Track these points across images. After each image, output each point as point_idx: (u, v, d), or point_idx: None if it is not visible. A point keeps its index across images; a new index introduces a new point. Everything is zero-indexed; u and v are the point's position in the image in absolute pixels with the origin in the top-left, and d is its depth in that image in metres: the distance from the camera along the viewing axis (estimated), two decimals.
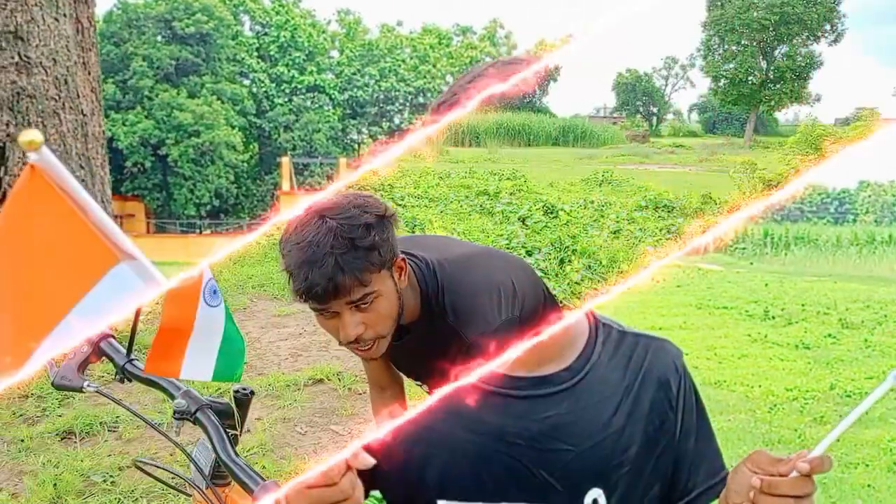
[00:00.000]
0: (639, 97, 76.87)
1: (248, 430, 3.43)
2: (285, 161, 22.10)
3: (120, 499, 2.74)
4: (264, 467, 3.00)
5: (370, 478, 0.90)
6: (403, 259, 1.19)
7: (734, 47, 42.87)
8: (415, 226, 7.76)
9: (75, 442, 3.21)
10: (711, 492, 0.96)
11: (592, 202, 10.43)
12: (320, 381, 4.08)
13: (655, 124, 75.97)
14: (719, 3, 43.49)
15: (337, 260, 1.05)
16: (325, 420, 3.59)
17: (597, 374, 0.94)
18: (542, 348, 0.92)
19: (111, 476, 2.90)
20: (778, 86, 42.30)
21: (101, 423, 3.37)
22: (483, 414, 0.91)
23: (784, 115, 48.10)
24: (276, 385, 3.96)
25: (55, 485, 2.77)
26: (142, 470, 0.97)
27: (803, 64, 41.67)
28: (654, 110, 79.32)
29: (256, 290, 6.10)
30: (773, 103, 43.03)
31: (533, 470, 0.91)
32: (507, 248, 6.03)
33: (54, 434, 3.26)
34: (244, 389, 1.01)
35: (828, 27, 42.04)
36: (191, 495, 1.00)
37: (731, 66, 42.61)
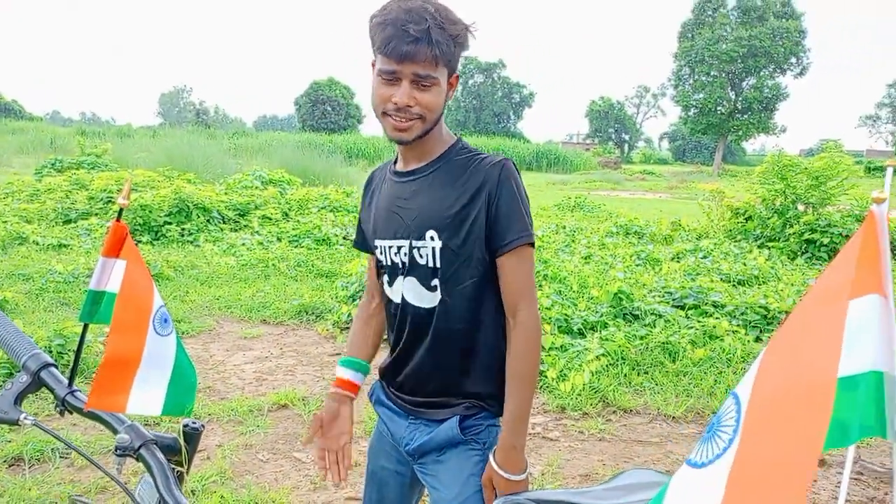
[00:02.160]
0: (611, 124, 78.21)
1: (208, 458, 3.33)
2: None
3: None
4: (223, 497, 2.90)
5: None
6: (457, 77, 1.45)
7: (704, 78, 43.90)
8: None
9: (24, 470, 3.08)
10: (517, 242, 1.41)
11: (564, 227, 10.48)
12: (284, 406, 3.99)
13: (627, 151, 77.28)
14: (689, 35, 44.56)
15: (431, 27, 1.31)
16: (288, 447, 3.49)
17: (444, 169, 1.47)
18: (421, 152, 1.49)
19: None
20: (745, 116, 43.38)
21: (52, 449, 3.24)
22: (387, 190, 1.57)
23: (751, 145, 49.21)
24: (238, 410, 3.86)
25: None
26: None
27: (770, 95, 42.81)
28: (626, 137, 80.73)
29: (223, 312, 5.98)
30: (740, 133, 44.07)
31: (404, 217, 1.49)
32: None
33: (1, 461, 3.12)
34: (194, 424, 0.96)
35: (793, 60, 43.28)
36: None
37: (701, 95, 43.61)
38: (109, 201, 10.02)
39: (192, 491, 2.97)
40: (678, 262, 7.74)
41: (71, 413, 0.99)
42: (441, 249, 1.45)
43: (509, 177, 1.43)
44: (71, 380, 0.99)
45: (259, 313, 5.94)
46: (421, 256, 1.48)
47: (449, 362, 1.52)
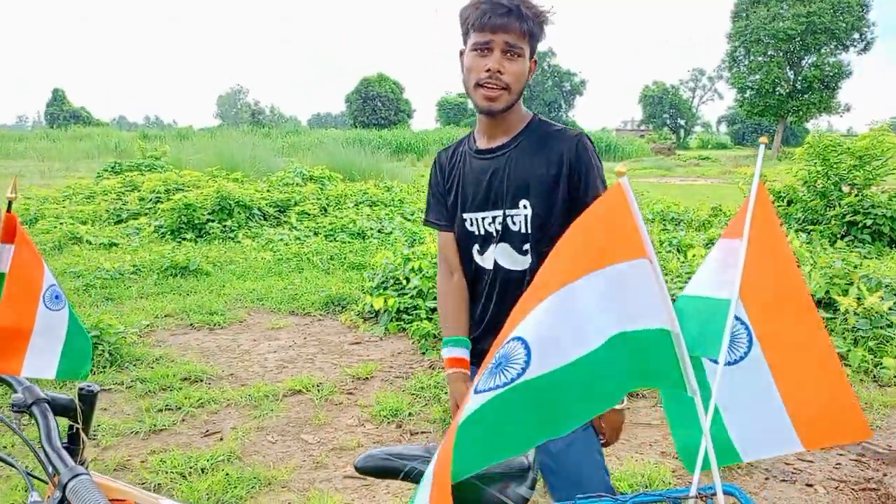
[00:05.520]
0: (666, 109, 76.47)
1: (222, 439, 3.53)
2: None
3: None
4: (227, 474, 3.09)
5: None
6: (535, 62, 1.64)
7: (760, 58, 42.45)
8: (414, 240, 7.84)
9: None
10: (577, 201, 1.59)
11: None
12: (299, 391, 4.18)
13: (683, 137, 75.44)
14: (744, 14, 43.12)
15: (520, 4, 1.52)
16: (297, 429, 3.68)
17: (527, 141, 1.64)
18: (506, 127, 1.65)
19: None
20: (805, 96, 41.74)
21: None
22: (471, 167, 1.70)
23: (815, 126, 47.30)
24: (255, 396, 4.06)
25: None
26: None
27: (831, 74, 41.07)
28: (682, 122, 78.75)
29: (255, 304, 6.23)
30: (800, 114, 42.41)
31: (496, 189, 1.64)
32: None
33: None
34: (89, 387, 1.10)
35: (856, 36, 41.40)
36: (46, 482, 1.09)
37: (757, 77, 42.18)
38: (158, 201, 10.49)
39: (201, 469, 3.17)
40: (710, 247, 7.62)
41: None
42: (532, 216, 1.62)
43: (585, 148, 1.61)
44: None
45: (288, 305, 6.17)
46: (514, 223, 1.64)
47: None
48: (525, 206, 1.62)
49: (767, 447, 1.15)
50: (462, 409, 0.85)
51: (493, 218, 1.66)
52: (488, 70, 1.53)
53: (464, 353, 1.76)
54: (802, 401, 1.09)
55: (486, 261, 1.70)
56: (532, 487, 1.08)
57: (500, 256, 1.67)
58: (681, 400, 1.24)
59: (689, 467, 1.24)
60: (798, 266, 1.20)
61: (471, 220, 1.70)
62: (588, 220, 0.86)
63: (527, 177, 1.62)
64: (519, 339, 0.88)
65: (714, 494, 1.27)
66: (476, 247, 1.72)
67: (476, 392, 0.87)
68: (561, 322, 0.89)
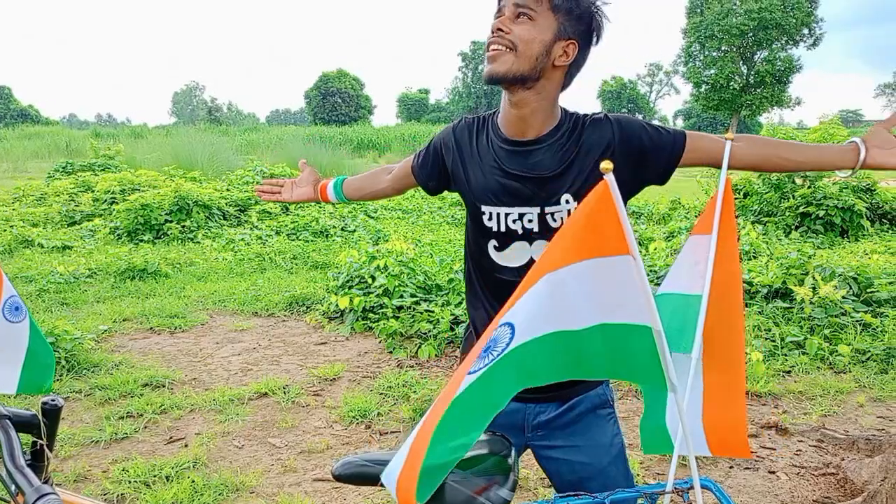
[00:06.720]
0: (624, 104, 77.51)
1: (186, 445, 3.46)
2: None
3: None
4: (193, 481, 3.02)
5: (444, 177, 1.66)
6: (574, 45, 1.42)
7: (714, 53, 43.34)
8: (378, 238, 7.80)
9: None
10: (680, 137, 1.48)
11: None
12: (265, 394, 4.11)
13: None
14: (699, 10, 43.95)
15: None
16: (264, 433, 3.62)
17: (557, 139, 1.47)
18: (539, 123, 1.48)
19: None
20: (758, 90, 42.77)
21: None
22: (495, 157, 1.52)
23: (768, 119, 48.49)
24: (220, 400, 3.98)
25: None
26: None
27: (783, 68, 42.16)
28: (641, 117, 79.85)
29: (217, 306, 6.12)
30: (753, 108, 43.46)
31: (530, 185, 1.48)
32: None
33: None
34: (53, 400, 1.05)
35: (806, 31, 42.56)
36: (10, 502, 1.05)
37: (712, 71, 43.07)
38: (113, 202, 10.22)
39: (166, 477, 3.10)
40: (671, 240, 7.76)
41: None
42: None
43: (618, 119, 1.48)
44: None
45: (251, 306, 6.07)
46: (554, 220, 1.48)
47: None
48: (567, 202, 1.46)
49: (692, 444, 1.16)
50: (450, 388, 0.88)
51: (521, 215, 1.49)
52: (492, 28, 1.39)
53: (331, 191, 1.89)
54: (715, 403, 1.11)
55: (507, 259, 1.54)
56: (513, 490, 1.07)
57: (538, 254, 1.50)
58: (656, 394, 1.25)
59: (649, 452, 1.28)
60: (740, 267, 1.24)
61: (490, 213, 1.53)
62: (575, 214, 0.87)
63: (570, 171, 1.45)
64: (507, 324, 0.91)
65: (690, 488, 1.29)
66: (493, 243, 1.55)
67: (469, 374, 0.90)
68: (546, 305, 0.91)
